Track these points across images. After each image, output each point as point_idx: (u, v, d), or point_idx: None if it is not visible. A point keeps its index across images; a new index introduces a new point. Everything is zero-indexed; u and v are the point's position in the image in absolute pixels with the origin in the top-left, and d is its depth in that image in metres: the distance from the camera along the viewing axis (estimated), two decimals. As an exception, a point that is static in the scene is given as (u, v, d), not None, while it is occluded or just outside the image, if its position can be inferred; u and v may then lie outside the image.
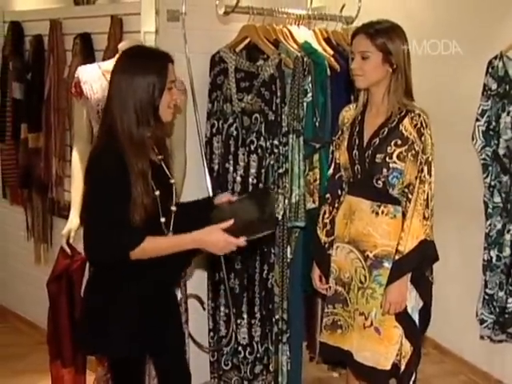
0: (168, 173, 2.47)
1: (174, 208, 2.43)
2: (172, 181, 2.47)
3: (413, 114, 2.59)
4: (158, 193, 2.32)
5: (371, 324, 2.66)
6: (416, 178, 2.58)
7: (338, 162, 2.78)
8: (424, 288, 2.69)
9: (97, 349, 2.53)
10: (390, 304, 2.59)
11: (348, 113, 2.80)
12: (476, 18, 3.77)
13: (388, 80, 2.61)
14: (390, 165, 2.58)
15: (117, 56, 2.49)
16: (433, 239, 2.64)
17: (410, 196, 2.59)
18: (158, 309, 2.43)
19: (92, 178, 2.31)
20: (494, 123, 3.42)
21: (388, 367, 2.65)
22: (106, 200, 2.25)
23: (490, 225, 3.49)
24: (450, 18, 3.92)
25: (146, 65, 2.29)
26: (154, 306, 2.41)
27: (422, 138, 2.57)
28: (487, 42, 3.60)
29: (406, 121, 2.59)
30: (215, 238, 2.33)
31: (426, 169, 2.57)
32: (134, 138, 2.26)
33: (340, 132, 2.80)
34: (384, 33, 2.58)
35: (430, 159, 2.58)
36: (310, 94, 3.13)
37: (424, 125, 2.57)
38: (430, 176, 2.59)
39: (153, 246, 2.29)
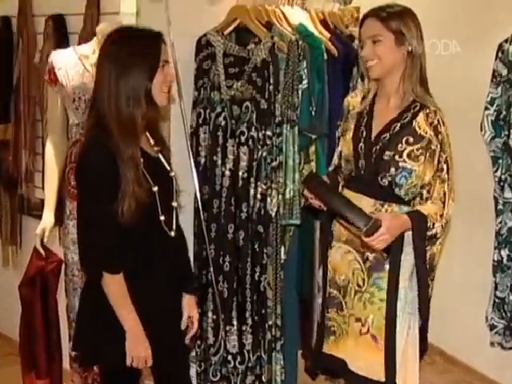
0: (167, 166, 2.43)
1: (175, 204, 2.40)
2: (172, 174, 2.43)
3: (428, 111, 2.50)
4: (156, 188, 2.28)
5: (368, 331, 2.60)
6: (433, 177, 2.51)
7: (340, 150, 2.70)
8: (424, 301, 2.58)
9: (93, 360, 2.52)
10: (385, 230, 2.35)
11: (354, 99, 2.71)
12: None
13: (403, 66, 2.51)
14: (400, 164, 2.49)
15: (100, 39, 2.53)
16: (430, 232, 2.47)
17: (426, 195, 2.52)
18: (155, 319, 2.34)
19: (81, 179, 2.29)
20: (504, 112, 3.34)
21: (383, 379, 2.57)
22: (96, 203, 2.21)
23: (500, 222, 3.42)
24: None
25: (138, 47, 2.26)
26: (151, 316, 2.32)
27: (439, 137, 2.49)
28: (496, 26, 3.53)
29: (421, 117, 2.50)
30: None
31: (445, 167, 2.51)
32: (122, 117, 2.20)
33: (344, 119, 2.71)
34: (397, 15, 2.50)
35: (448, 158, 2.52)
36: (305, 81, 3.11)
37: (441, 122, 2.50)
38: (449, 175, 2.52)
39: (111, 288, 2.23)
